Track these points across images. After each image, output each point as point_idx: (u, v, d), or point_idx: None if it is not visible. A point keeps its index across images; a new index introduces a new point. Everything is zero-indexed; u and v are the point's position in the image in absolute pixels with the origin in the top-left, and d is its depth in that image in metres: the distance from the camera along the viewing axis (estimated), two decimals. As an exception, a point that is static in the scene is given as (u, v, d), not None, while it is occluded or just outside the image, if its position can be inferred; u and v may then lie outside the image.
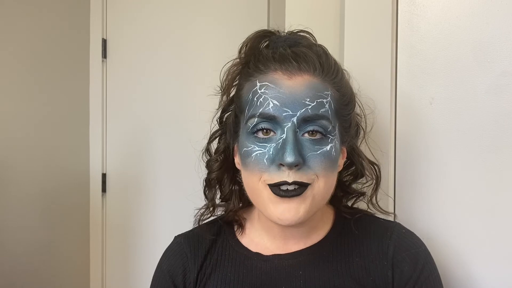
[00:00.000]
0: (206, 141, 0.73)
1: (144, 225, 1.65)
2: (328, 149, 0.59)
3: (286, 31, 0.69)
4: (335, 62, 0.65)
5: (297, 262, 0.65)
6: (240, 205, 0.72)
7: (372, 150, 0.76)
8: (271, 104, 0.58)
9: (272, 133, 0.59)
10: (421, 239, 0.69)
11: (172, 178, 1.61)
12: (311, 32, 0.69)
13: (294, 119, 0.57)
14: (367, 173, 0.70)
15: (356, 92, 0.69)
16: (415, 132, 0.84)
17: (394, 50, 0.85)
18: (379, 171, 0.72)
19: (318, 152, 0.58)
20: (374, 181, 0.71)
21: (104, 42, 1.68)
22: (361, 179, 0.72)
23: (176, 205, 1.59)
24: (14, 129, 1.37)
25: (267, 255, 0.66)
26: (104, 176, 1.69)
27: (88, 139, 1.69)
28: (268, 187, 0.58)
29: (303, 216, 0.59)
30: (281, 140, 0.57)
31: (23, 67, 1.41)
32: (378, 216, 0.72)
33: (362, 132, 0.72)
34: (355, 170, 0.70)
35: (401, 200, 0.85)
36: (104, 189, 1.69)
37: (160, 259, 0.72)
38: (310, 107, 0.58)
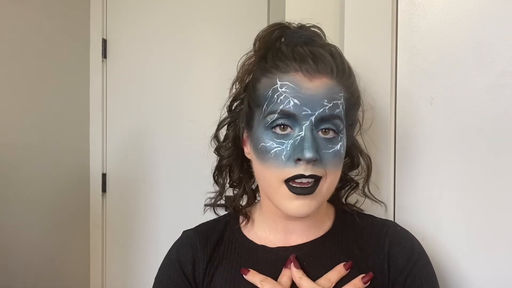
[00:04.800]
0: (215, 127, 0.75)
1: (144, 224, 1.65)
2: (338, 147, 0.63)
3: (297, 23, 0.70)
4: (348, 65, 0.67)
5: (301, 254, 0.68)
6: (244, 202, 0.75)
7: (368, 148, 0.78)
8: (292, 103, 0.61)
9: (289, 129, 0.62)
10: (417, 238, 0.71)
11: (171, 178, 1.61)
12: (319, 27, 0.70)
13: (312, 118, 0.61)
14: (362, 164, 0.75)
15: (362, 91, 0.72)
16: (415, 132, 0.84)
17: (394, 50, 0.85)
18: (371, 162, 0.76)
19: (331, 151, 0.62)
20: (366, 171, 0.75)
21: (104, 42, 1.68)
22: (353, 171, 0.75)
23: (176, 205, 1.59)
24: (14, 129, 1.37)
25: (272, 247, 0.69)
26: (104, 176, 1.70)
27: (88, 139, 1.69)
28: (284, 184, 0.61)
29: (313, 210, 0.63)
30: (299, 137, 0.61)
31: (23, 67, 1.41)
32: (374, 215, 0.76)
33: (358, 126, 0.75)
34: (351, 160, 0.74)
35: (401, 200, 0.85)
36: (104, 189, 1.69)
37: (169, 250, 0.74)
38: (327, 107, 0.61)
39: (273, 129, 0.62)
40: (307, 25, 0.70)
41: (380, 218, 0.74)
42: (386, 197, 0.84)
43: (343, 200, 0.76)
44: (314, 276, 0.66)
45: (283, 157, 0.61)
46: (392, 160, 0.86)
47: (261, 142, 0.63)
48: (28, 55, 1.43)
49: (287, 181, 0.61)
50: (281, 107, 0.61)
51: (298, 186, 0.61)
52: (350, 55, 0.86)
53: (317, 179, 0.61)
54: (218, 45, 1.53)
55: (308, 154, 0.59)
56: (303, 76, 0.62)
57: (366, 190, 0.76)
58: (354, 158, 0.74)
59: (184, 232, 0.75)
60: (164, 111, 1.61)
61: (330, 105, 0.61)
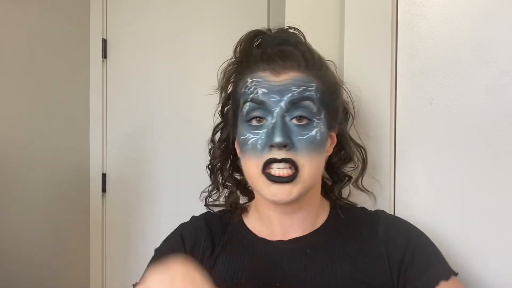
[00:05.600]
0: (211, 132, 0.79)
1: (144, 225, 1.65)
2: (313, 133, 0.65)
3: (276, 29, 0.74)
4: (319, 57, 0.71)
5: (298, 246, 0.70)
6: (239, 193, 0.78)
7: (366, 144, 0.80)
8: (260, 92, 0.65)
9: (264, 121, 0.65)
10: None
11: (172, 178, 1.61)
12: (300, 29, 0.74)
13: (282, 104, 0.64)
14: (355, 157, 0.76)
15: (344, 81, 0.76)
16: (415, 132, 0.85)
17: (394, 50, 0.85)
18: (366, 154, 0.78)
19: (305, 137, 0.64)
20: (361, 164, 0.77)
21: (104, 42, 1.68)
22: (349, 164, 0.77)
23: (176, 205, 1.59)
24: (14, 129, 1.37)
25: (272, 240, 0.71)
26: (104, 176, 1.69)
27: (88, 139, 1.69)
28: (262, 174, 0.64)
29: (296, 196, 0.65)
30: (271, 124, 0.64)
31: (23, 67, 1.41)
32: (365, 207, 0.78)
33: (350, 118, 0.78)
34: (344, 153, 0.75)
35: (401, 200, 0.85)
36: (104, 189, 1.69)
37: (174, 229, 0.76)
38: (296, 92, 0.64)
39: (249, 122, 0.66)
40: (285, 27, 0.74)
41: (370, 210, 0.77)
42: (386, 196, 0.84)
43: (337, 193, 0.78)
44: (312, 268, 0.67)
45: (258, 146, 0.64)
46: (393, 160, 0.86)
47: (241, 135, 0.67)
48: (28, 55, 1.43)
49: (264, 170, 0.64)
50: (251, 96, 0.65)
51: (275, 175, 0.63)
52: (350, 55, 0.86)
53: (295, 168, 0.63)
54: (218, 45, 1.53)
55: (277, 139, 0.62)
56: (270, 74, 0.66)
57: (359, 182, 0.78)
58: (347, 150, 0.75)
59: (192, 216, 0.77)
60: (164, 111, 1.61)
61: (299, 90, 0.64)
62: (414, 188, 0.85)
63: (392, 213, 0.85)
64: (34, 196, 1.44)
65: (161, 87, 1.62)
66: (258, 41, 0.72)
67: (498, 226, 0.79)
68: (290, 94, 0.64)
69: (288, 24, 0.89)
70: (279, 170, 0.63)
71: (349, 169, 0.78)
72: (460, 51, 0.81)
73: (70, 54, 1.60)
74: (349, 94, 0.79)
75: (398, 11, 0.85)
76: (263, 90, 0.65)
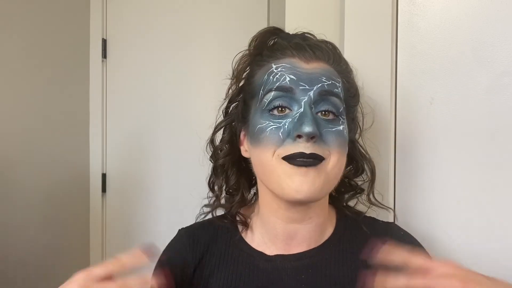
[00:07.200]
0: (211, 131, 0.72)
1: (144, 225, 1.65)
2: (341, 128, 0.60)
3: (292, 32, 0.70)
4: (345, 59, 0.68)
5: (300, 265, 0.64)
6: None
7: (368, 148, 0.75)
8: (288, 78, 0.59)
9: (287, 111, 0.59)
10: (419, 240, 0.69)
11: (172, 178, 1.61)
12: (313, 34, 0.70)
13: (311, 93, 0.58)
14: (366, 169, 0.71)
15: (361, 93, 0.71)
16: (415, 132, 0.84)
17: (394, 50, 0.85)
18: (374, 167, 0.72)
19: (333, 129, 0.59)
20: (370, 177, 0.71)
21: (104, 42, 1.68)
22: (357, 177, 0.71)
23: (176, 205, 1.59)
24: (14, 129, 1.37)
25: (270, 255, 0.65)
26: (104, 176, 1.70)
27: (88, 139, 1.69)
28: (283, 161, 0.57)
29: (318, 189, 0.58)
30: (298, 114, 0.58)
31: (23, 67, 1.41)
32: (376, 218, 0.73)
33: (358, 130, 0.73)
34: (356, 165, 0.71)
35: (401, 200, 0.85)
36: (104, 189, 1.69)
37: (162, 251, 0.70)
38: (326, 84, 0.59)
39: (271, 112, 0.59)
40: (299, 32, 0.69)
41: (382, 222, 0.72)
42: (386, 198, 0.84)
43: (345, 202, 0.73)
44: None
45: (280, 134, 0.58)
46: (392, 160, 0.85)
47: (258, 125, 0.60)
48: (28, 55, 1.43)
49: (286, 159, 0.57)
50: (277, 84, 0.59)
51: (299, 160, 0.56)
52: (350, 55, 0.86)
53: (319, 159, 0.57)
54: (217, 45, 1.53)
55: (308, 128, 0.55)
56: (299, 60, 0.61)
57: (371, 197, 0.71)
58: (358, 163, 0.70)
59: (179, 231, 0.72)
60: (164, 111, 1.62)
61: (329, 83, 0.60)
62: (414, 187, 0.84)
63: (393, 214, 0.85)
64: (34, 196, 1.44)
65: (161, 87, 1.62)
66: (274, 39, 0.68)
67: (499, 226, 0.79)
68: (320, 85, 0.59)
69: (288, 23, 0.89)
70: (303, 161, 0.57)
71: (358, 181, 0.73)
72: (460, 51, 0.81)
73: (70, 54, 1.61)
74: (361, 106, 0.73)
75: (398, 11, 0.85)
76: (292, 76, 0.59)
